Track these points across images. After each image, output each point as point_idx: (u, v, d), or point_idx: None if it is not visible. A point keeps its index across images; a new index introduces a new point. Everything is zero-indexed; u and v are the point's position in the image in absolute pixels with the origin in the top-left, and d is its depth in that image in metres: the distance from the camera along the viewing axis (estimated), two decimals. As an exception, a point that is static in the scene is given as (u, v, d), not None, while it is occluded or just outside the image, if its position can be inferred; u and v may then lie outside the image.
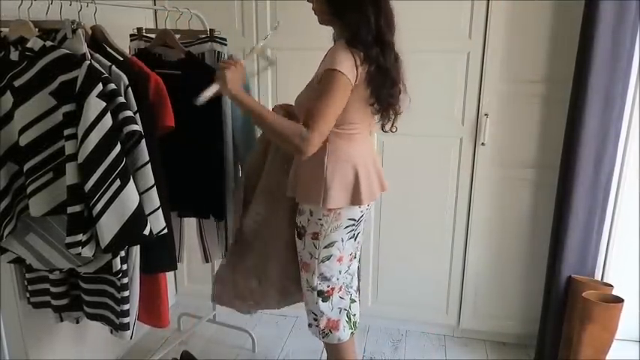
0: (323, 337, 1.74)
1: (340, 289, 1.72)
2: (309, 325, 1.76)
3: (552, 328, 2.09)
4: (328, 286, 1.68)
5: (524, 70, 2.07)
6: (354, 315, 1.77)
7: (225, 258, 1.92)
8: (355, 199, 1.55)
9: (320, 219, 1.57)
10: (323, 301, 1.69)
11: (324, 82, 1.42)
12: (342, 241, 1.62)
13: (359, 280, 1.95)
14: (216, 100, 1.81)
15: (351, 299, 1.76)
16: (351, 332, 1.76)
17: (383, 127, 1.61)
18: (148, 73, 1.49)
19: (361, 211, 1.62)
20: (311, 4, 1.51)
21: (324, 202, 1.52)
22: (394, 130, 1.62)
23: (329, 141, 1.50)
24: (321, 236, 1.59)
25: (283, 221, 1.69)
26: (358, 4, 1.41)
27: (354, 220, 1.61)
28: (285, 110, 1.64)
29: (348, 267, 1.71)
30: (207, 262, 2.09)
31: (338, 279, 1.68)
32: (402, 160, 2.23)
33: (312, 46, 1.68)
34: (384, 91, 1.48)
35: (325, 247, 1.61)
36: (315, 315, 1.72)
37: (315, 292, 1.68)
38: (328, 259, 1.63)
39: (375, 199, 1.62)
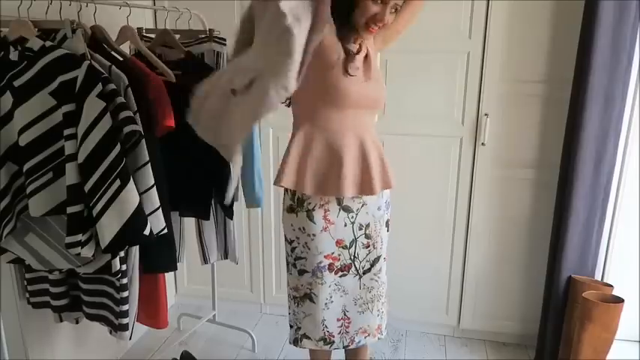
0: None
1: None
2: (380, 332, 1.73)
3: (552, 328, 2.09)
4: None
5: (524, 70, 2.07)
6: None
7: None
8: None
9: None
10: None
11: None
12: None
13: None
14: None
15: None
16: None
17: None
18: (148, 73, 1.49)
19: None
20: (383, 22, 1.39)
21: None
22: None
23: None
24: None
25: None
26: None
27: None
28: None
29: None
30: (205, 263, 2.09)
31: None
32: (402, 160, 2.23)
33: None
34: None
35: None
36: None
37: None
38: None
39: None
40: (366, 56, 1.49)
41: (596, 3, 1.79)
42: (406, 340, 2.43)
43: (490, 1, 2.02)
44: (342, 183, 1.47)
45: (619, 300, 1.94)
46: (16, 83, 1.31)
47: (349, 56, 1.44)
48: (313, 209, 1.52)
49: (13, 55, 1.32)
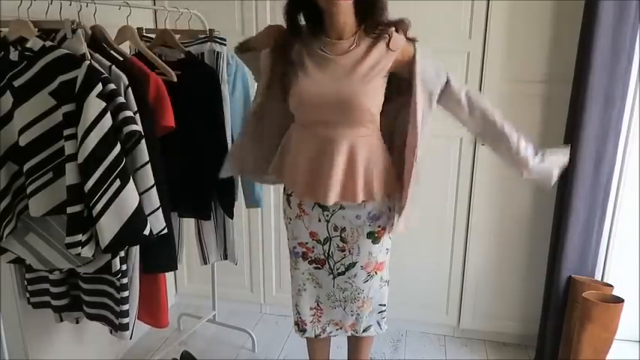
0: (382, 328, 1.77)
1: None
2: (367, 329, 1.74)
3: (552, 328, 2.09)
4: None
5: (524, 70, 2.07)
6: None
7: None
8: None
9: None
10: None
11: None
12: None
13: None
14: (216, 100, 1.82)
15: None
16: None
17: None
18: (148, 73, 1.49)
19: None
20: None
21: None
22: None
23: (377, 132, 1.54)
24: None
25: None
26: None
27: None
28: None
29: None
30: (205, 263, 2.08)
31: None
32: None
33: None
34: None
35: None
36: (383, 307, 1.75)
37: (386, 284, 1.73)
38: None
39: None
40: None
41: (596, 3, 1.79)
42: (406, 340, 2.43)
43: (490, 1, 2.02)
44: (294, 181, 1.54)
45: (619, 300, 1.94)
46: (16, 83, 1.31)
47: (294, 66, 1.43)
48: (290, 195, 1.61)
49: (13, 55, 1.32)
